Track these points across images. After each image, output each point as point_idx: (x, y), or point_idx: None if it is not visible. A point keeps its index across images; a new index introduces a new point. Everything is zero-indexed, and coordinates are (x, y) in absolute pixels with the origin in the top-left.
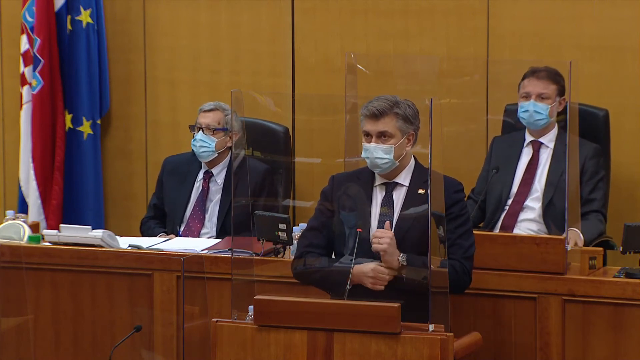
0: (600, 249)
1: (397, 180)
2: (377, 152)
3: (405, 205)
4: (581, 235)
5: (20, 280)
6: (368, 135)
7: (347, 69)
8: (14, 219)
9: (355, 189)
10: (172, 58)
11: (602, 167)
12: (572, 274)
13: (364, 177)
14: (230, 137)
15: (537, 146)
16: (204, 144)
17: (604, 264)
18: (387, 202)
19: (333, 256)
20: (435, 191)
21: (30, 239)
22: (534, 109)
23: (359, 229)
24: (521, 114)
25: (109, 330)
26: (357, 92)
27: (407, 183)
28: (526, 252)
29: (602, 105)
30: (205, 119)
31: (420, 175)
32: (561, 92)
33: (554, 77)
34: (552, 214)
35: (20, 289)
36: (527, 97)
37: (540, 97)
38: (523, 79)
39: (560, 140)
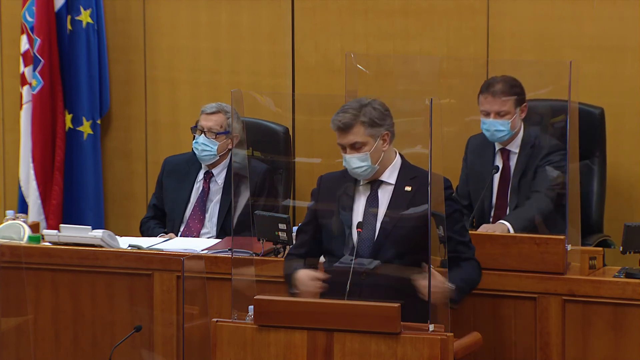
0: (600, 249)
1: (382, 178)
2: (353, 162)
3: (392, 203)
4: (510, 228)
5: (20, 280)
6: (342, 147)
7: (347, 69)
8: (14, 219)
9: (340, 188)
10: (172, 58)
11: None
12: (572, 274)
13: (350, 176)
14: (231, 140)
15: (505, 155)
16: (205, 147)
17: (604, 264)
18: (372, 200)
19: (322, 256)
20: (425, 191)
21: (30, 239)
22: (495, 128)
23: (359, 229)
24: (484, 130)
25: (109, 330)
26: (357, 93)
27: (393, 181)
28: (526, 252)
29: (601, 105)
30: (208, 122)
31: (406, 172)
32: (520, 101)
33: (510, 89)
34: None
35: (20, 289)
36: (486, 115)
37: (499, 115)
38: (480, 92)
39: (525, 141)
